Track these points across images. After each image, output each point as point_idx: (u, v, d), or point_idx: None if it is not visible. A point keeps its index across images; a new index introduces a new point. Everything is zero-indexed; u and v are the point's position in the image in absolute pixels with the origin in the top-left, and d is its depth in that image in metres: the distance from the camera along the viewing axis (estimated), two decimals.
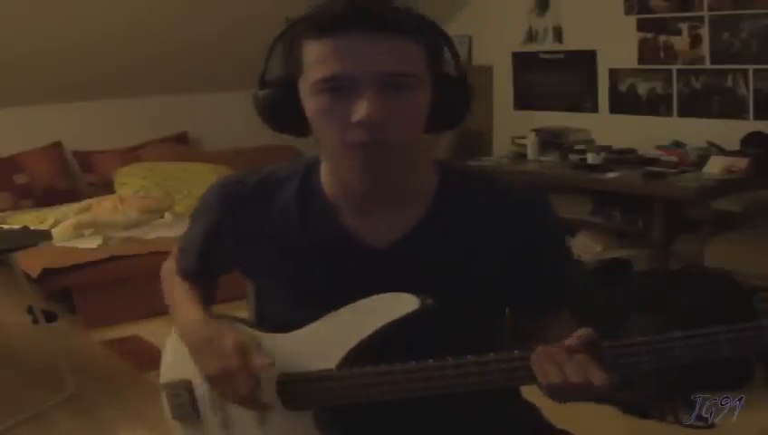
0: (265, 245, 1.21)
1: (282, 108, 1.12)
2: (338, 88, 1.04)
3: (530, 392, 1.21)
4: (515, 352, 1.06)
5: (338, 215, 1.17)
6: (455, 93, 1.13)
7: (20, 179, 4.81)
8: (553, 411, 1.30)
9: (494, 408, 1.22)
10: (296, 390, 1.17)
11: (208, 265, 1.32)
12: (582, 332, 1.03)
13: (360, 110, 1.03)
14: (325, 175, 1.18)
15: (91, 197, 4.77)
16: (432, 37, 1.10)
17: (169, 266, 1.40)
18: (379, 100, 1.03)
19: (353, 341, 1.13)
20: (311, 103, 1.07)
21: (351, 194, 1.16)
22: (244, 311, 1.41)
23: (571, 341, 1.02)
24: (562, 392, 1.02)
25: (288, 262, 1.19)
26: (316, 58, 1.05)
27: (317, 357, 1.15)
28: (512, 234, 1.17)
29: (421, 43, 1.06)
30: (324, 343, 1.15)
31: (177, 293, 1.33)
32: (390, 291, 1.12)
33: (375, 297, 1.13)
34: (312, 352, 1.16)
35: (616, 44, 4.52)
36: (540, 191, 1.23)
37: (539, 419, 1.32)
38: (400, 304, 1.10)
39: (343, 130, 1.05)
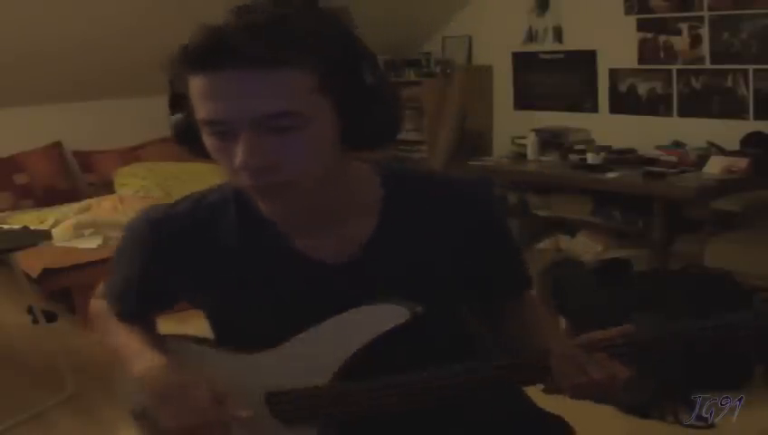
0: (212, 272, 1.14)
1: (192, 137, 1.05)
2: (221, 131, 0.98)
3: None
4: (531, 356, 1.07)
5: (285, 236, 1.12)
6: (370, 109, 1.01)
7: (20, 179, 4.81)
8: (552, 410, 1.30)
9: (488, 397, 1.21)
10: (288, 408, 1.13)
11: (149, 305, 1.25)
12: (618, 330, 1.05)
13: (237, 156, 0.96)
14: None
15: (91, 197, 4.78)
16: (334, 52, 0.97)
17: (100, 307, 1.30)
18: (256, 144, 0.95)
19: (346, 354, 1.10)
20: (205, 141, 1.02)
21: (288, 219, 1.12)
22: None
23: (584, 339, 1.05)
24: (584, 390, 1.04)
25: (241, 287, 1.14)
26: (195, 95, 0.98)
27: (306, 373, 1.11)
28: (462, 226, 1.15)
29: (310, 68, 0.95)
30: (312, 359, 1.11)
31: (120, 335, 1.23)
32: (357, 305, 1.09)
33: (361, 309, 1.10)
34: (299, 368, 1.12)
35: (616, 44, 4.52)
36: (481, 179, 1.22)
37: (530, 404, 1.31)
38: (390, 315, 1.08)
39: (233, 173, 1.00)
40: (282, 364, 1.13)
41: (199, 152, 1.06)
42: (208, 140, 1.01)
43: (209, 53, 0.94)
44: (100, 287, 1.31)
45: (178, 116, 1.06)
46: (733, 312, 1.01)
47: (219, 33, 0.95)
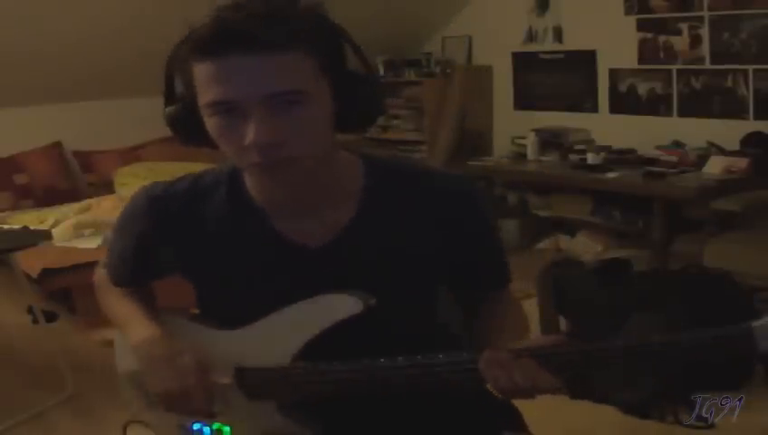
0: (201, 251, 1.22)
1: (190, 125, 1.11)
2: (228, 111, 1.03)
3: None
4: (464, 354, 1.09)
5: (269, 219, 1.18)
6: (360, 93, 1.10)
7: (20, 179, 4.81)
8: (553, 410, 1.30)
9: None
10: (253, 383, 1.19)
11: (143, 275, 1.34)
12: (549, 339, 1.07)
13: (249, 133, 1.02)
14: (249, 182, 1.19)
15: (91, 197, 4.78)
16: (325, 41, 1.06)
17: (102, 275, 1.40)
18: (266, 121, 1.02)
19: (301, 341, 1.15)
20: (208, 124, 1.07)
21: (275, 202, 1.17)
22: None
23: (519, 345, 1.07)
24: (510, 393, 1.06)
25: (226, 267, 1.21)
26: (202, 81, 1.04)
27: (269, 353, 1.17)
28: (443, 221, 1.19)
29: (310, 53, 1.03)
30: (274, 340, 1.17)
31: (120, 305, 1.33)
32: (331, 289, 1.14)
33: (319, 298, 1.15)
34: (263, 348, 1.18)
35: (616, 44, 4.53)
36: (467, 178, 1.25)
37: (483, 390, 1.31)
38: (343, 306, 1.12)
39: (240, 153, 1.06)
40: (250, 342, 1.20)
41: (194, 139, 1.14)
42: (212, 121, 1.06)
43: (217, 40, 1.01)
44: (103, 257, 1.39)
45: (172, 108, 1.14)
46: (690, 331, 1.01)
47: (225, 22, 1.01)
